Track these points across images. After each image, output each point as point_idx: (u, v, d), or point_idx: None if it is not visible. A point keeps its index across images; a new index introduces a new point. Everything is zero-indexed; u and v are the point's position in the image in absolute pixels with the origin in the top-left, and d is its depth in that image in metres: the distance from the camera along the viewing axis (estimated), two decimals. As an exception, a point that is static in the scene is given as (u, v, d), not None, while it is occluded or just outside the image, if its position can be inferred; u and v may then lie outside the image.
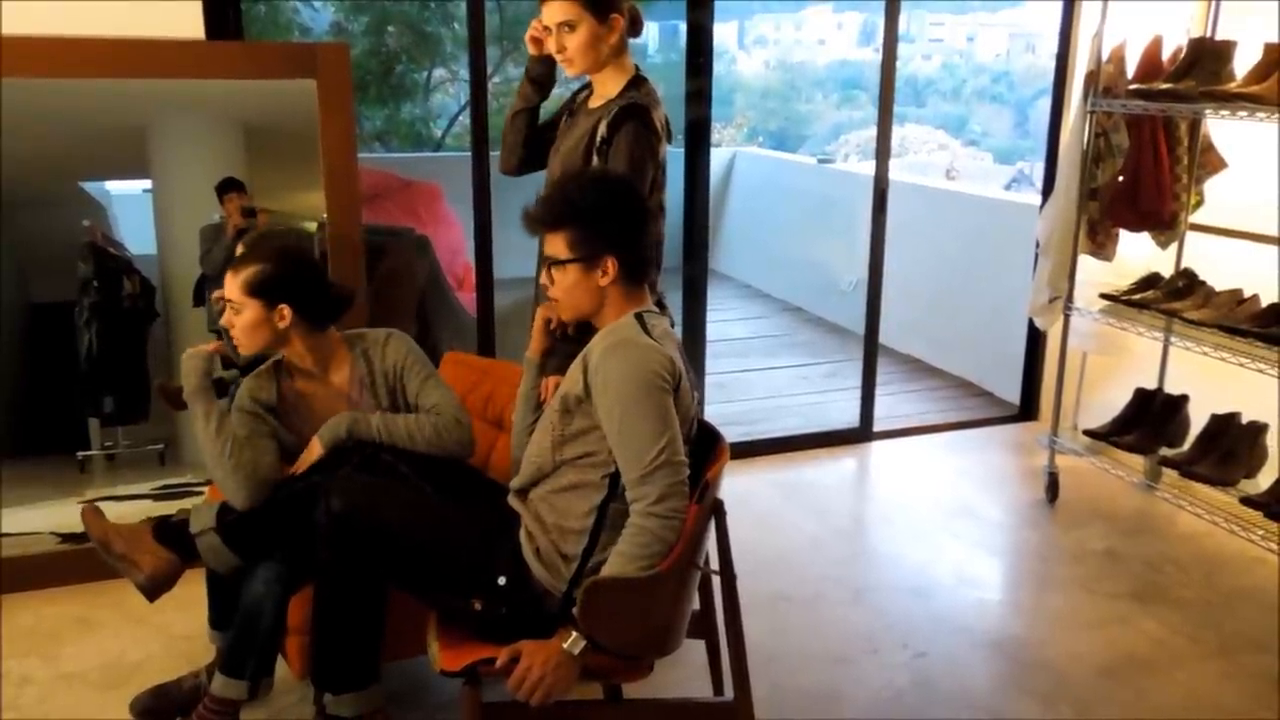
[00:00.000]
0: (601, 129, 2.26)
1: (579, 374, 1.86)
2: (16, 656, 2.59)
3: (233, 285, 2.11)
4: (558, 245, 1.89)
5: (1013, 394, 4.56)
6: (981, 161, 18.01)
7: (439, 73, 10.50)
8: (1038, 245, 3.77)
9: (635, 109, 2.24)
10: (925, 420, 4.48)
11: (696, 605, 2.14)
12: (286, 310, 2.12)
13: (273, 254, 2.16)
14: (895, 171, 4.03)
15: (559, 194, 1.92)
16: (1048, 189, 4.04)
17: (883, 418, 4.31)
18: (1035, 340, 4.36)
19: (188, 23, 2.95)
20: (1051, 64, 4.17)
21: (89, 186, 3.21)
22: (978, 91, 22.66)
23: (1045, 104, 4.37)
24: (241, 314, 2.10)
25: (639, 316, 1.91)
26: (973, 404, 4.74)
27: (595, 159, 2.25)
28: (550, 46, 2.28)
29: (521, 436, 2.08)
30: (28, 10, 2.80)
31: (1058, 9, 4.08)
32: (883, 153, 4.02)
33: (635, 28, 2.34)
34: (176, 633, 2.66)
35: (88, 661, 2.57)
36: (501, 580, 1.89)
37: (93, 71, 2.84)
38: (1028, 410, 4.46)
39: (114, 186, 3.27)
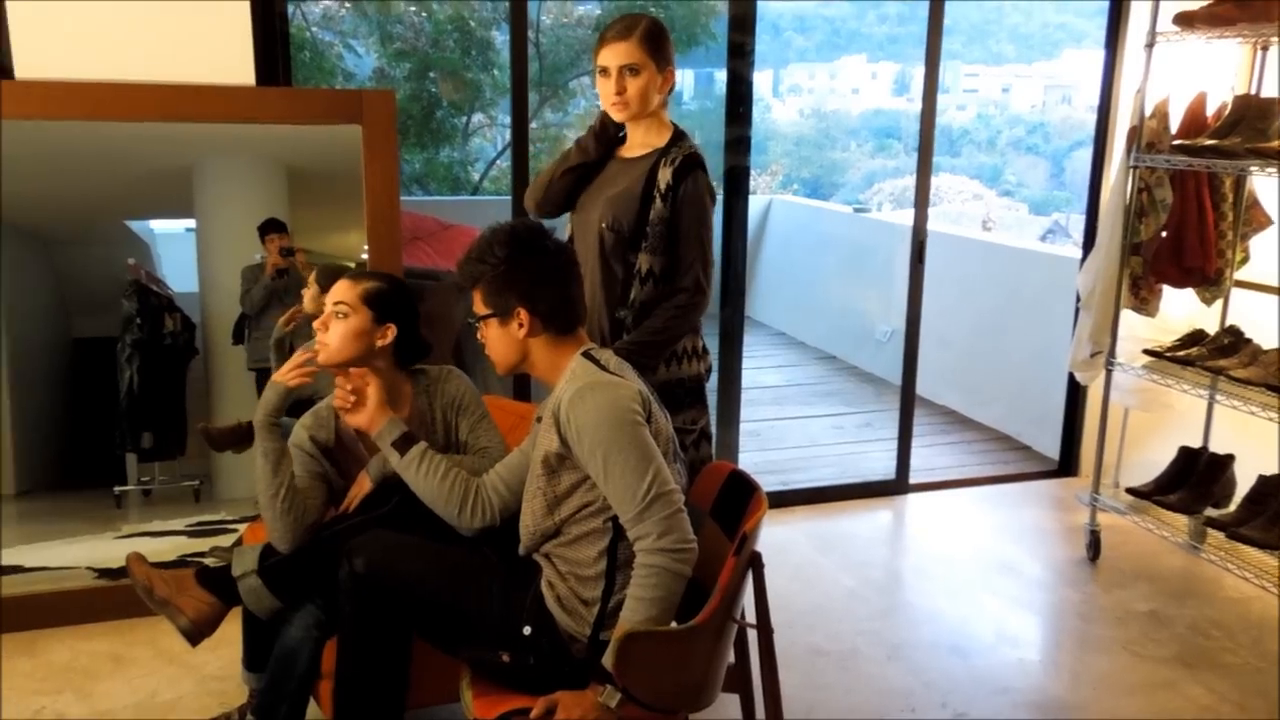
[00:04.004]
0: (666, 176, 2.29)
1: (552, 431, 1.85)
2: (51, 693, 2.59)
3: (349, 291, 2.12)
4: (476, 302, 1.92)
5: (1052, 449, 4.49)
6: (1016, 212, 17.97)
7: (478, 118, 10.67)
8: (1079, 299, 3.73)
9: (698, 159, 2.31)
10: (962, 473, 4.42)
11: (731, 659, 2.10)
12: (391, 330, 2.14)
13: (392, 279, 2.20)
14: (930, 221, 4.02)
15: (471, 253, 1.91)
16: (1089, 243, 4.00)
17: (919, 469, 4.26)
18: (1075, 395, 4.30)
19: (239, 67, 3.02)
20: (1087, 115, 4.17)
21: (134, 225, 3.26)
22: (1013, 142, 22.69)
23: (1081, 155, 4.37)
24: (348, 319, 2.11)
25: (587, 355, 1.91)
26: (1011, 458, 4.67)
27: (660, 204, 2.27)
28: (604, 89, 2.30)
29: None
30: (89, 54, 2.88)
31: (1093, 60, 4.07)
32: (921, 202, 4.01)
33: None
34: (209, 673, 2.66)
35: (121, 699, 2.57)
36: (527, 630, 1.88)
37: (146, 115, 2.91)
38: (1068, 466, 4.39)
39: (158, 225, 3.32)
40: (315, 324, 2.14)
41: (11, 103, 2.82)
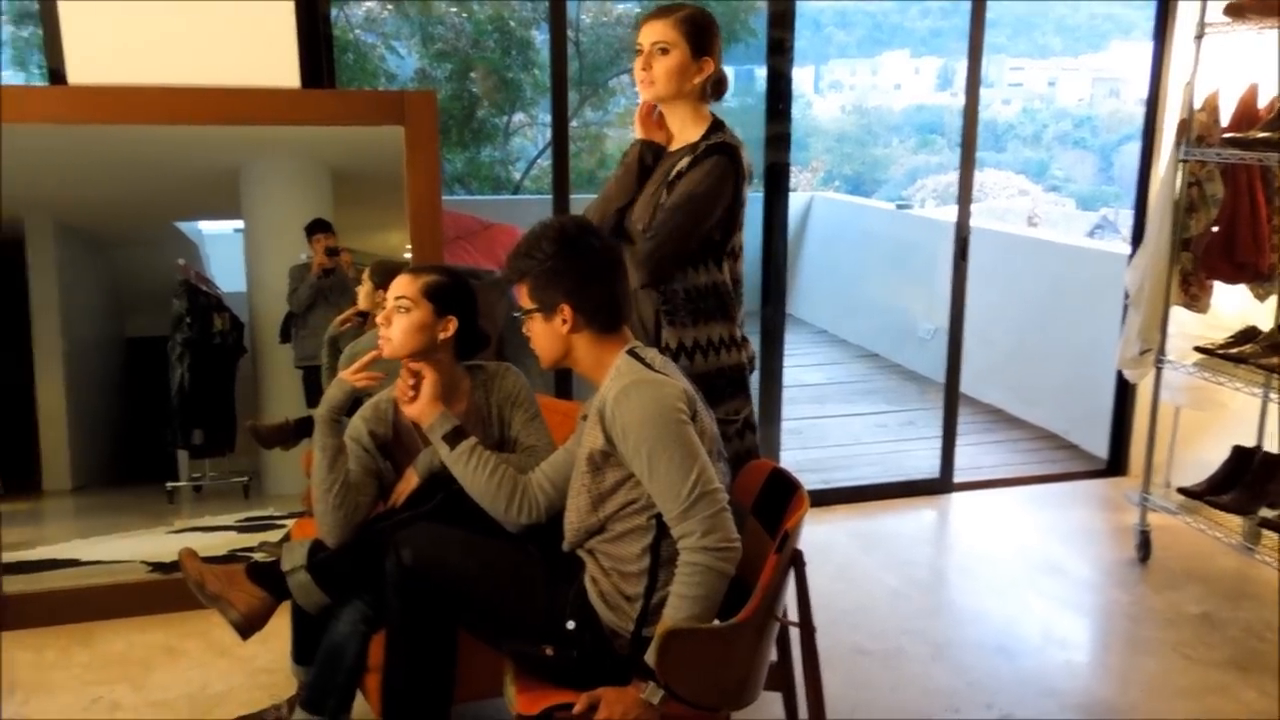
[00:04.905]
0: (682, 164, 2.27)
1: (597, 428, 1.86)
2: (107, 683, 2.65)
3: (410, 285, 2.14)
4: (522, 296, 1.94)
5: (1100, 448, 4.42)
6: (1063, 207, 17.70)
7: (518, 117, 10.73)
8: (1127, 296, 3.67)
9: (724, 146, 2.26)
10: (1008, 472, 4.37)
11: (774, 657, 2.09)
12: (452, 324, 2.15)
13: (453, 272, 2.22)
14: (974, 217, 3.97)
15: (519, 249, 1.93)
16: (1137, 238, 3.94)
17: (963, 468, 4.22)
18: (1124, 393, 4.23)
19: (285, 70, 3.06)
20: (1136, 109, 4.10)
21: (183, 226, 3.32)
22: (1059, 137, 22.35)
23: (1130, 149, 4.30)
24: (411, 313, 2.12)
25: (632, 353, 1.91)
26: (1058, 457, 4.61)
27: (666, 193, 2.27)
28: (637, 68, 2.30)
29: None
30: (139, 59, 2.94)
31: (1142, 53, 4.00)
32: (964, 199, 3.97)
33: (719, 89, 2.36)
34: (259, 665, 2.70)
35: (174, 690, 2.62)
36: (570, 625, 1.89)
37: (194, 119, 2.96)
38: (1117, 465, 4.32)
39: (206, 226, 3.38)
40: (378, 319, 2.16)
41: (66, 108, 2.89)
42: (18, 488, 3.03)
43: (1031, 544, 3.63)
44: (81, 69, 2.92)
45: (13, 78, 9.01)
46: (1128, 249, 4.17)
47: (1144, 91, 4.04)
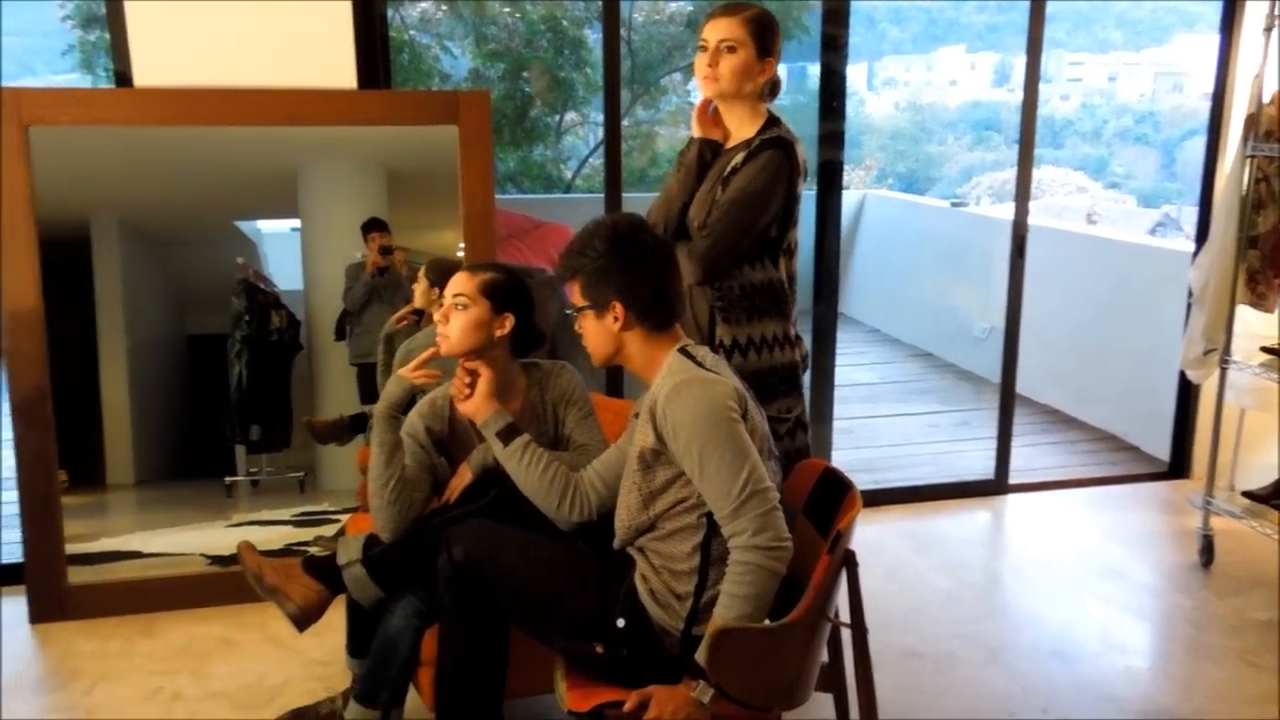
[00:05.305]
0: (736, 160, 2.27)
1: (648, 426, 1.86)
2: (169, 673, 2.72)
3: (468, 283, 2.15)
4: (575, 294, 1.94)
5: (1162, 450, 4.32)
6: (1124, 205, 17.32)
7: (570, 116, 10.77)
8: (1191, 295, 3.58)
9: (779, 141, 2.25)
10: (1066, 474, 4.29)
11: (825, 658, 2.08)
12: (509, 321, 2.16)
13: (509, 269, 2.24)
14: (1032, 215, 3.90)
15: (572, 246, 1.93)
16: (1202, 236, 3.84)
17: (1019, 470, 4.15)
18: (1187, 394, 4.13)
19: (342, 71, 3.10)
20: (1200, 103, 4.00)
21: (242, 225, 3.37)
22: (1120, 132, 21.87)
23: (1193, 145, 4.20)
24: (468, 310, 2.13)
25: (683, 351, 1.90)
26: (1118, 459, 4.51)
27: (721, 190, 2.26)
28: (699, 64, 2.29)
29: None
30: (201, 61, 3.01)
31: (1207, 46, 3.90)
32: (1022, 196, 3.90)
33: (774, 89, 2.36)
34: (314, 658, 2.75)
35: (233, 681, 2.67)
36: (620, 623, 1.89)
37: (255, 120, 3.02)
38: (1179, 468, 4.22)
39: (264, 225, 3.43)
40: (436, 316, 2.18)
41: (131, 110, 2.96)
42: (82, 481, 3.11)
43: (1090, 547, 3.56)
44: (146, 72, 2.99)
45: (80, 81, 9.24)
46: (1191, 247, 4.08)
47: (1209, 86, 3.94)
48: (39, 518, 2.94)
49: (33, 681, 2.70)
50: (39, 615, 2.97)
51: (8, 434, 2.92)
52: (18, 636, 2.92)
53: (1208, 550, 3.39)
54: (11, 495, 2.97)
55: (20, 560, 2.99)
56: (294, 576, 2.13)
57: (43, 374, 2.91)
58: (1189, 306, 3.64)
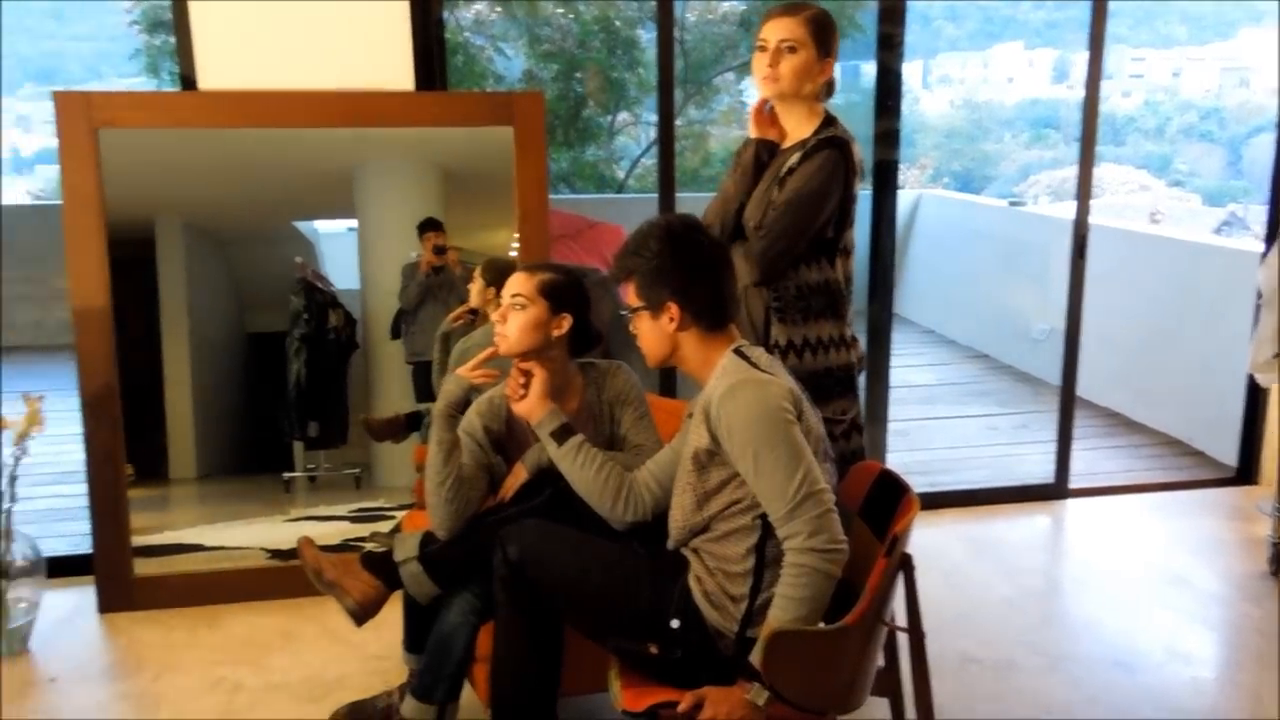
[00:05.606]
0: (793, 160, 2.25)
1: (702, 427, 1.85)
2: (231, 664, 2.77)
3: (526, 283, 2.16)
4: (630, 294, 1.93)
5: (1229, 455, 4.21)
6: (1188, 203, 16.91)
7: (623, 116, 10.80)
8: (1259, 296, 3.48)
9: (835, 140, 2.24)
10: (1128, 479, 4.19)
11: (881, 662, 2.05)
12: (566, 321, 2.17)
13: (566, 270, 2.25)
14: (1092, 214, 3.82)
15: (627, 246, 1.93)
16: (1271, 235, 3.74)
17: (1080, 474, 4.06)
18: (1255, 398, 4.02)
19: (400, 73, 3.14)
20: (1268, 99, 3.92)
21: (300, 225, 3.43)
22: (1184, 129, 21.36)
23: (1261, 141, 4.09)
24: (526, 310, 2.14)
25: (738, 352, 1.89)
26: (1183, 464, 4.40)
27: (777, 190, 2.24)
28: (758, 64, 2.28)
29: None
30: (262, 64, 3.06)
31: (1274, 39, 3.79)
32: (1084, 195, 3.82)
33: (830, 89, 2.35)
34: (371, 652, 2.78)
35: (292, 674, 2.71)
36: (674, 623, 1.89)
37: (315, 121, 3.06)
38: (1247, 473, 4.10)
39: (322, 225, 3.48)
40: (494, 316, 2.20)
41: (195, 112, 3.02)
42: (147, 475, 3.18)
43: (1154, 554, 3.48)
44: (210, 74, 3.05)
45: (145, 84, 9.46)
46: (1260, 246, 3.97)
47: (1276, 80, 3.82)
48: (107, 511, 3.02)
49: (101, 669, 2.78)
50: (107, 605, 3.04)
51: (78, 429, 3.00)
52: (87, 625, 2.99)
53: (1277, 558, 3.29)
54: (81, 489, 3.05)
55: (89, 552, 3.07)
56: (352, 572, 2.16)
57: (111, 371, 2.98)
58: (1257, 308, 3.54)
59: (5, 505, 2.78)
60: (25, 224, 6.51)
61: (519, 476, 2.21)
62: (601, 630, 1.97)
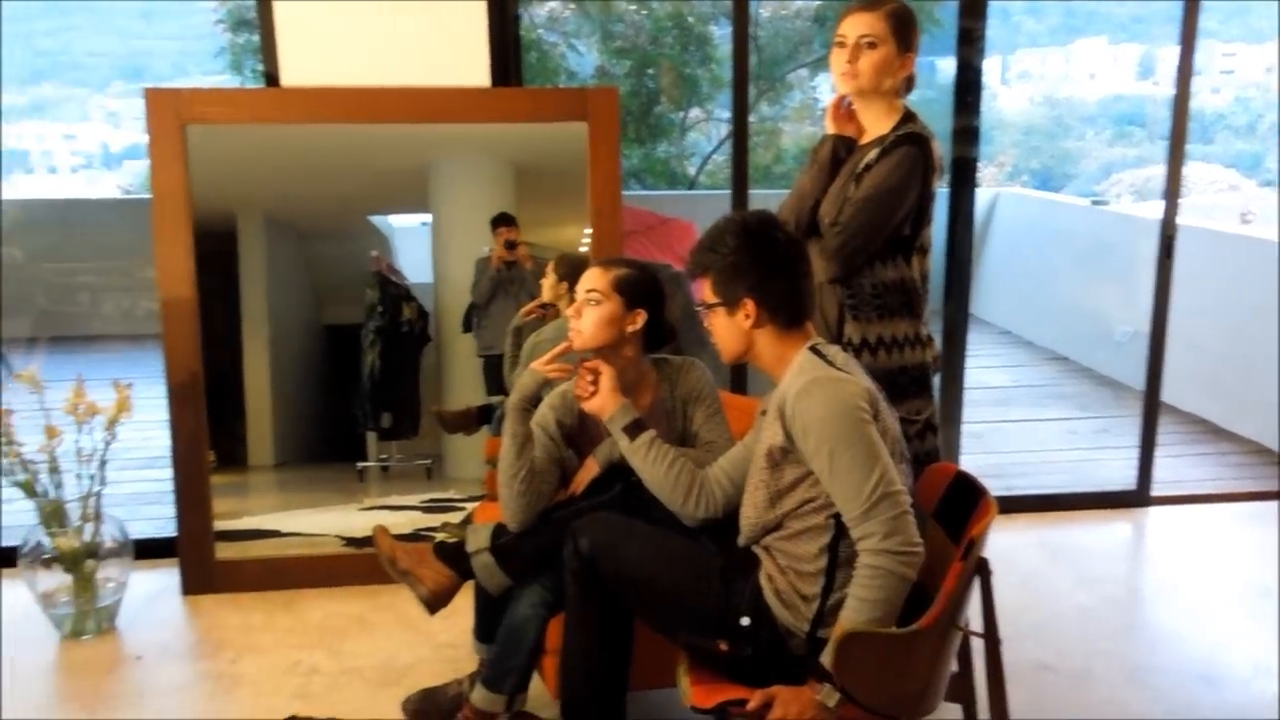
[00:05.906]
0: (870, 156, 2.22)
1: (777, 424, 1.83)
2: (307, 648, 2.83)
3: (601, 279, 2.18)
4: (704, 291, 1.92)
5: (1323, 464, 4.05)
6: (1281, 204, 16.26)
7: (695, 112, 10.76)
8: (1360, 298, 3.34)
9: (914, 137, 2.20)
10: (1215, 487, 4.07)
11: (955, 667, 2.02)
12: (641, 317, 2.18)
13: (641, 266, 2.26)
14: (1180, 213, 3.70)
15: (702, 242, 1.92)
16: (1374, 235, 3.57)
17: (1163, 481, 3.94)
18: (1352, 405, 3.86)
19: (476, 70, 3.17)
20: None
21: (375, 220, 3.48)
22: (1276, 127, 20.56)
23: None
24: (601, 305, 2.16)
25: (814, 350, 1.87)
26: (1272, 473, 4.25)
27: (854, 187, 2.22)
28: (837, 60, 2.25)
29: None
30: (342, 61, 3.12)
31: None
32: (1172, 195, 3.70)
33: (910, 85, 2.31)
34: (443, 640, 2.82)
35: (366, 659, 2.77)
36: (745, 622, 1.88)
37: (394, 118, 3.11)
38: (1340, 483, 3.94)
39: (396, 220, 3.53)
40: (568, 311, 2.21)
41: (278, 109, 3.09)
42: (227, 462, 3.26)
43: (1242, 565, 3.36)
44: (292, 72, 3.12)
45: (229, 82, 9.71)
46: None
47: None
48: (191, 495, 3.11)
49: (184, 649, 2.87)
50: (190, 587, 3.14)
51: (164, 415, 3.09)
52: (172, 606, 3.09)
53: (1374, 574, 3.15)
54: (166, 473, 3.14)
55: (174, 535, 3.16)
56: (426, 561, 2.19)
57: (196, 360, 3.07)
58: (1358, 312, 3.40)
59: (96, 489, 2.88)
60: (114, 217, 6.74)
61: (591, 471, 2.22)
62: (671, 625, 1.96)
